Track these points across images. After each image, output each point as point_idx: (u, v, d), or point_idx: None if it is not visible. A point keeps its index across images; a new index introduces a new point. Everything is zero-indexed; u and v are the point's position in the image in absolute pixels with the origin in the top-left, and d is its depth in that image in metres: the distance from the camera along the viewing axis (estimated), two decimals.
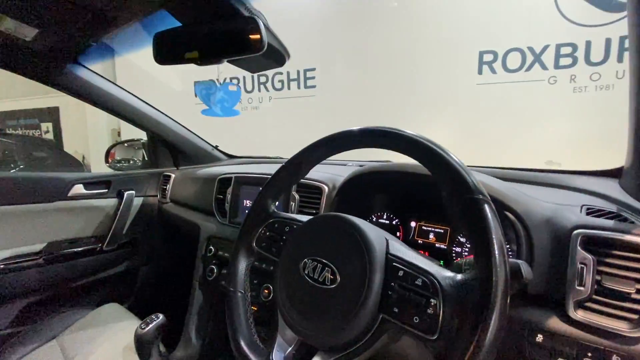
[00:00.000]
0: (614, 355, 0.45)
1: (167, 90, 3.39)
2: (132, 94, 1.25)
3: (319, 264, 0.44)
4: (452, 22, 2.65)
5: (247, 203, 1.02)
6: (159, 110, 1.34)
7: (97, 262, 1.30)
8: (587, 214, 0.54)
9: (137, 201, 1.38)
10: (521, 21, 2.52)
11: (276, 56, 0.77)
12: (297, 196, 0.87)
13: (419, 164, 0.66)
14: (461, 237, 0.71)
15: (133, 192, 1.34)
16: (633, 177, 0.59)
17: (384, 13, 2.83)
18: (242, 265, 0.58)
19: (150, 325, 0.70)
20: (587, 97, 2.43)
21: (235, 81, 3.49)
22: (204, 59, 0.70)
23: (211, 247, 1.03)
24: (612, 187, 0.64)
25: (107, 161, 1.54)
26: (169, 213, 1.36)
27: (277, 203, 0.60)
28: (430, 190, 0.76)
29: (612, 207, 0.55)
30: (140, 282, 1.46)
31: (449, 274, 0.38)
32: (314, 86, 3.23)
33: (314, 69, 3.20)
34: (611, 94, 2.38)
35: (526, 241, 0.53)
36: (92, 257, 1.28)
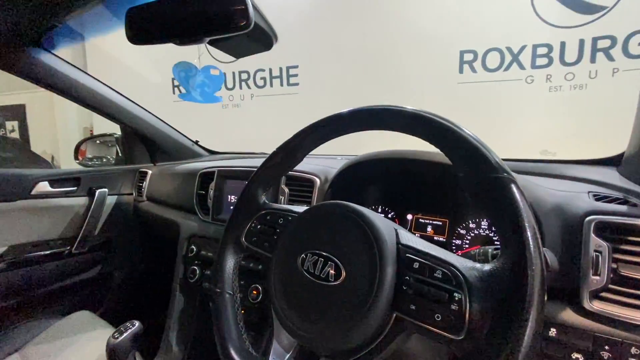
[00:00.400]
0: (633, 348, 0.43)
1: (144, 83, 3.24)
2: (103, 84, 1.16)
3: (320, 258, 0.39)
4: (434, 22, 2.68)
5: (232, 198, 0.96)
6: (134, 102, 1.25)
7: (65, 267, 1.20)
8: (596, 200, 0.52)
9: (110, 200, 1.28)
10: (500, 22, 2.57)
11: (263, 38, 0.71)
12: (286, 190, 0.82)
13: (416, 150, 0.62)
14: (461, 229, 0.68)
15: (105, 189, 1.25)
16: (637, 164, 0.58)
17: (368, 11, 2.82)
18: (230, 263, 0.52)
19: (125, 334, 0.63)
20: (562, 96, 2.51)
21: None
22: (183, 39, 0.63)
23: (193, 247, 0.96)
24: (611, 175, 0.63)
25: (76, 158, 1.43)
26: (145, 212, 1.27)
27: (267, 194, 0.55)
28: (427, 180, 0.73)
29: (617, 194, 0.54)
30: (114, 288, 1.35)
31: (472, 264, 0.33)
32: (297, 84, 3.19)
33: (296, 67, 3.15)
34: (585, 93, 2.47)
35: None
36: (60, 261, 1.18)
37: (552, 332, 0.48)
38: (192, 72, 1.10)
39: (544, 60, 2.54)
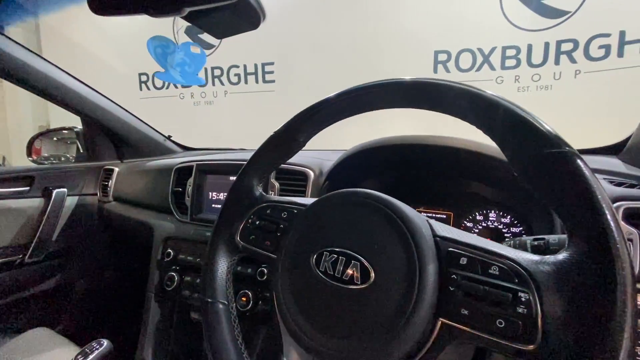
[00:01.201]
0: None
1: (106, 75, 3.01)
2: (61, 69, 1.03)
3: (340, 257, 0.33)
4: (411, 21, 2.72)
5: (214, 195, 0.87)
6: (97, 92, 1.12)
7: (18, 278, 1.05)
8: (615, 186, 0.50)
9: (71, 201, 1.14)
10: (472, 24, 2.65)
11: (250, 15, 0.64)
12: (276, 184, 0.75)
13: (419, 134, 0.56)
14: (467, 222, 0.65)
15: (64, 190, 1.10)
16: None
17: (345, 8, 2.80)
18: (222, 267, 0.44)
19: (92, 356, 0.53)
20: (530, 97, 2.62)
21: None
22: (158, 8, 0.55)
23: (169, 251, 0.86)
24: (615, 163, 0.62)
25: (29, 155, 1.26)
26: (112, 214, 1.14)
27: (263, 185, 0.48)
28: (430, 169, 0.68)
29: (631, 180, 0.52)
30: (77, 300, 1.21)
31: (536, 257, 0.28)
32: (273, 81, 3.11)
33: (272, 63, 3.07)
34: (550, 93, 2.59)
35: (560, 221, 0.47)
36: (11, 271, 1.02)
37: None
38: (169, 49, 1.00)
39: (513, 62, 2.65)
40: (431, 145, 0.61)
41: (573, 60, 2.48)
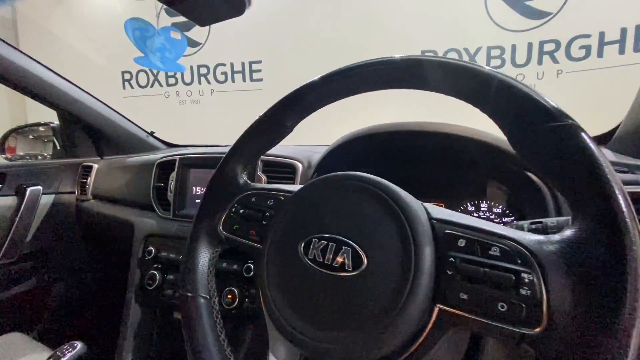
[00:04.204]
0: None
1: (88, 72, 2.91)
2: (36, 61, 0.98)
3: (330, 243, 0.31)
4: (398, 21, 2.74)
5: (198, 190, 0.83)
6: (75, 85, 1.07)
7: None
8: None
9: (46, 200, 1.08)
10: (458, 24, 2.69)
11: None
12: (263, 177, 0.72)
13: (410, 121, 0.55)
14: (459, 212, 0.63)
15: (40, 187, 1.05)
16: (635, 138, 0.56)
17: (332, 8, 2.80)
18: (204, 259, 0.41)
19: (64, 359, 0.49)
20: None
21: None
22: None
23: (151, 248, 0.82)
24: (605, 153, 0.62)
25: (2, 153, 1.19)
26: (91, 212, 1.09)
27: (247, 173, 0.45)
28: (421, 159, 0.67)
29: (619, 167, 0.52)
30: (54, 303, 1.15)
31: (538, 237, 0.26)
32: (260, 79, 3.08)
33: (260, 62, 3.04)
34: None
35: (555, 207, 0.46)
36: None
37: None
38: (149, 32, 0.95)
39: (498, 62, 2.69)
40: (421, 132, 0.59)
41: (555, 61, 2.54)
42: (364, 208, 0.31)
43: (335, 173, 0.36)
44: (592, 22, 2.35)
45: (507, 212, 0.62)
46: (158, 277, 0.79)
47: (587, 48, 2.41)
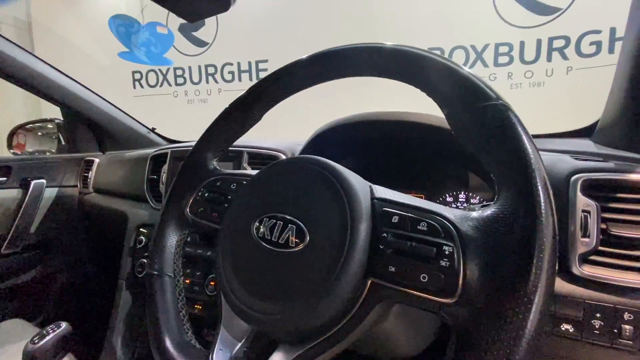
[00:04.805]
0: (626, 313, 0.40)
1: (101, 74, 3.00)
2: (40, 59, 1.02)
3: (278, 222, 0.32)
4: (403, 19, 2.72)
5: None
6: (78, 82, 1.11)
7: None
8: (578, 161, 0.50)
9: (50, 193, 1.13)
10: (464, 21, 2.65)
11: None
12: (249, 169, 0.74)
13: (392, 112, 0.56)
14: (438, 203, 0.64)
15: (43, 181, 1.10)
16: (614, 129, 0.56)
17: (338, 7, 2.81)
18: (171, 240, 0.43)
19: (47, 338, 0.52)
20: (523, 93, 2.62)
21: (180, 71, 3.22)
22: None
23: (142, 238, 0.85)
24: (587, 144, 0.61)
25: (10, 147, 1.25)
26: (92, 205, 1.14)
27: (218, 160, 0.47)
28: (401, 151, 0.68)
29: (597, 158, 0.51)
30: (56, 292, 1.19)
31: (464, 213, 0.28)
32: None
33: (266, 61, 3.07)
34: (542, 90, 2.58)
35: None
36: None
37: None
38: (133, 28, 0.98)
39: (506, 59, 2.64)
40: (402, 121, 0.60)
41: (565, 57, 2.48)
42: (311, 189, 0.33)
43: (289, 157, 0.37)
44: (603, 18, 2.29)
45: (484, 202, 0.62)
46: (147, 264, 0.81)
47: (598, 44, 2.35)
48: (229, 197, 0.41)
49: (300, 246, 0.30)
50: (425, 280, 0.26)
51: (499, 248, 0.24)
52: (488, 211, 0.26)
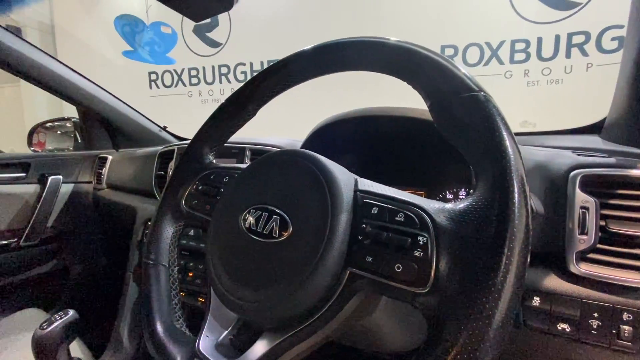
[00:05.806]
0: (625, 313, 0.39)
1: (118, 75, 3.10)
2: (58, 60, 1.07)
3: (264, 213, 0.33)
4: (416, 17, 2.68)
5: None
6: (93, 82, 1.16)
7: (13, 261, 1.09)
8: (579, 156, 0.48)
9: (66, 188, 1.18)
10: (479, 17, 2.59)
11: None
12: None
13: (388, 106, 0.56)
14: (438, 200, 0.63)
15: (60, 177, 1.14)
16: (619, 125, 0.54)
17: (350, 5, 2.80)
18: (167, 231, 0.45)
19: (54, 324, 0.54)
20: (540, 91, 2.54)
21: (194, 72, 3.29)
22: None
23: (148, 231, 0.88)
24: (594, 141, 0.59)
25: (30, 144, 1.31)
26: (105, 200, 1.18)
27: (214, 154, 0.48)
28: (401, 147, 0.67)
29: (601, 154, 0.50)
30: (71, 284, 1.25)
31: (441, 204, 0.28)
32: None
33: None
34: (561, 88, 2.49)
35: None
36: (6, 254, 1.07)
37: (536, 301, 0.42)
38: (138, 28, 1.02)
39: (522, 56, 2.57)
40: (404, 117, 0.60)
41: (585, 53, 2.39)
42: (296, 181, 0.33)
43: (278, 150, 0.38)
44: (626, 11, 2.19)
45: None
46: None
47: (620, 40, 2.25)
48: (221, 189, 0.42)
49: (284, 236, 0.31)
50: (400, 270, 0.26)
51: (472, 239, 0.24)
52: (464, 202, 0.26)
